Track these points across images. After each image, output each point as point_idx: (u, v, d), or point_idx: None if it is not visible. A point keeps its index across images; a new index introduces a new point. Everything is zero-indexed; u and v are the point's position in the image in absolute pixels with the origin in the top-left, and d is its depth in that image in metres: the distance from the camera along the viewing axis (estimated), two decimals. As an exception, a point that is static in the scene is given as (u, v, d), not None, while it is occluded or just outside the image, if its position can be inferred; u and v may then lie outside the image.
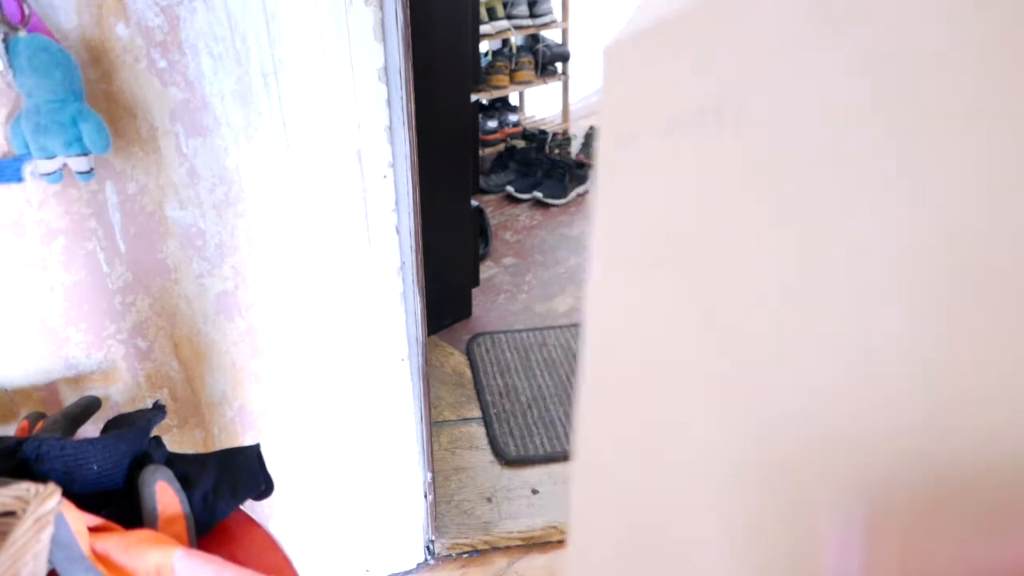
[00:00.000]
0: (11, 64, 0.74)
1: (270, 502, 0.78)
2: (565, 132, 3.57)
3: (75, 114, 0.76)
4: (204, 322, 1.03)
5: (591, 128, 3.51)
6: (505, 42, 3.39)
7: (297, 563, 0.73)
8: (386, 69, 0.96)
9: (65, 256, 0.89)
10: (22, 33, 0.73)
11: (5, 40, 0.74)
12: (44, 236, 0.87)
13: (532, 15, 3.26)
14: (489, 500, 1.62)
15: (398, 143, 1.02)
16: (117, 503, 0.66)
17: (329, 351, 1.14)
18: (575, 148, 3.45)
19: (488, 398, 1.93)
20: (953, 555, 0.12)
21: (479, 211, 2.53)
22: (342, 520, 1.34)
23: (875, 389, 0.13)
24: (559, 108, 3.76)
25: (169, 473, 0.68)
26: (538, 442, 1.77)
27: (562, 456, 1.74)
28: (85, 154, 0.79)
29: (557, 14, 3.43)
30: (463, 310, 2.28)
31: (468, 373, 2.04)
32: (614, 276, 0.22)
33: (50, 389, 0.95)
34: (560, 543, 1.55)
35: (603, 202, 0.23)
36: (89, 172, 0.81)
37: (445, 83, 1.90)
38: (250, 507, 0.78)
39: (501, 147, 3.39)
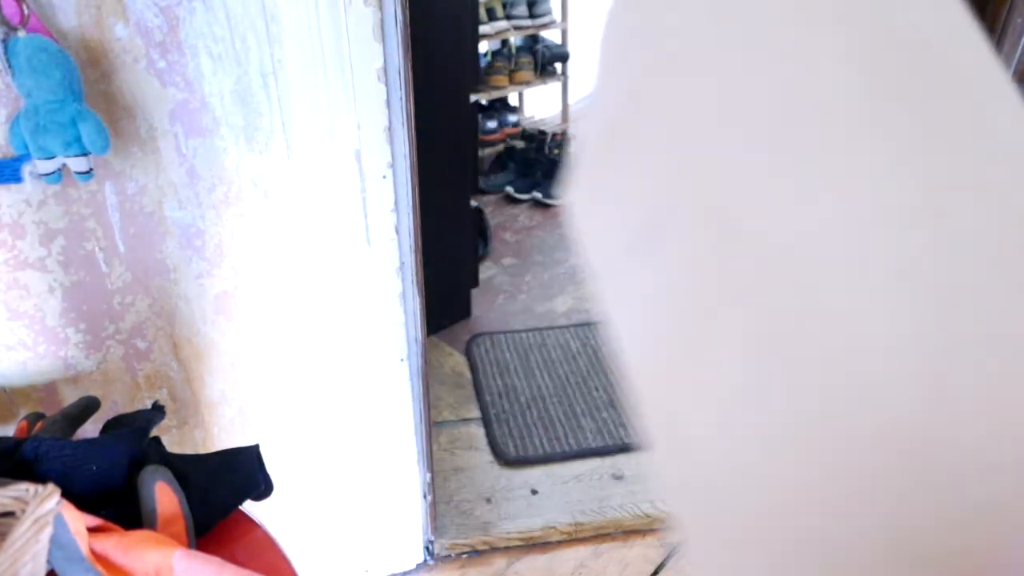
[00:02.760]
0: (10, 64, 0.74)
1: (270, 502, 0.78)
2: (564, 132, 3.57)
3: (74, 114, 0.76)
4: (203, 322, 1.03)
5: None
6: (504, 42, 3.40)
7: (296, 563, 0.73)
8: (385, 69, 0.96)
9: (64, 256, 0.89)
10: (22, 33, 0.73)
11: (5, 40, 0.74)
12: (43, 236, 0.87)
13: (531, 15, 3.26)
14: (488, 500, 1.62)
15: (397, 143, 1.02)
16: (116, 504, 0.65)
17: (329, 351, 1.14)
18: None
19: (487, 398, 1.93)
20: None
21: (478, 211, 2.53)
22: (341, 520, 1.34)
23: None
24: (558, 109, 3.76)
25: (168, 473, 0.68)
26: (537, 442, 1.77)
27: (561, 456, 1.74)
28: (84, 154, 0.79)
29: (556, 15, 3.43)
30: (463, 310, 2.27)
31: (467, 373, 2.04)
32: None
33: (49, 389, 0.95)
34: (559, 543, 1.55)
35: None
36: (88, 172, 0.81)
37: (445, 83, 1.89)
38: (250, 507, 0.78)
39: (500, 147, 3.39)
